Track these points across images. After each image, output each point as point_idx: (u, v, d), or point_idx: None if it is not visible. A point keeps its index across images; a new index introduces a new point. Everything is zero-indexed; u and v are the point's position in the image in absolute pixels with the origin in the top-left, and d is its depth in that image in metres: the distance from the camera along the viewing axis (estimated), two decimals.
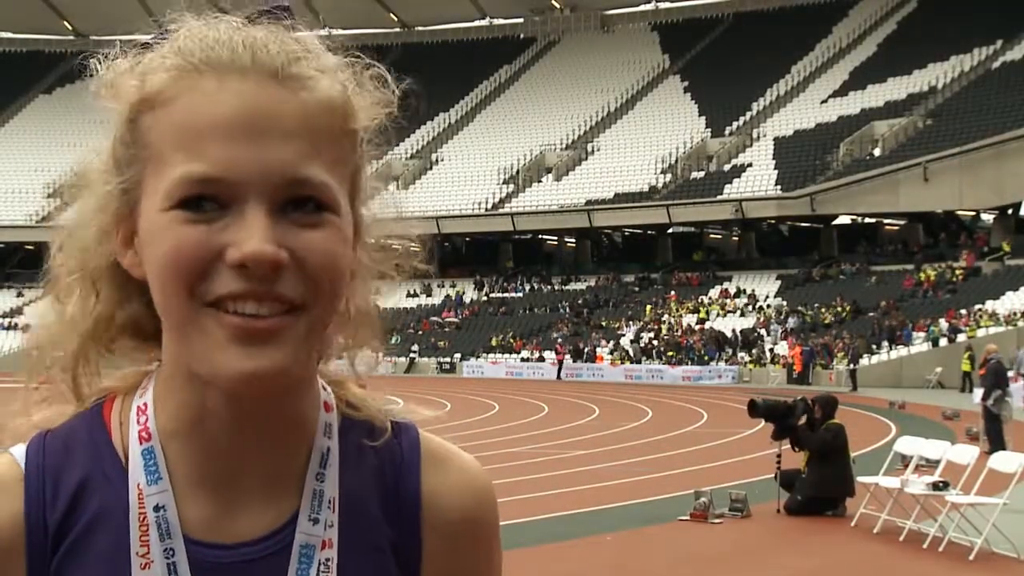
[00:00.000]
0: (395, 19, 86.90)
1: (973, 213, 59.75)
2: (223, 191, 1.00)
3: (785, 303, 55.66)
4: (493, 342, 58.80)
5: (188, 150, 1.01)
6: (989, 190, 53.44)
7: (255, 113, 1.01)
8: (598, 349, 55.06)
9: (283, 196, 1.01)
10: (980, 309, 47.96)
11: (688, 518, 12.54)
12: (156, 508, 1.07)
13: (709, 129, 68.22)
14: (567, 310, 61.48)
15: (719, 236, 69.26)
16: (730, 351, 52.07)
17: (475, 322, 62.72)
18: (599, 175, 67.39)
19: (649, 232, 67.41)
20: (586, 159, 70.59)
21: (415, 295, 65.81)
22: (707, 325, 55.62)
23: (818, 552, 11.49)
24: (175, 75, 1.03)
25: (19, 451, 1.13)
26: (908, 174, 55.32)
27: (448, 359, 57.83)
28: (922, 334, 47.23)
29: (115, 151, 1.08)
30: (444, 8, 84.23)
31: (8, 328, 62.30)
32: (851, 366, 43.07)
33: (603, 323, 58.45)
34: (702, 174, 64.87)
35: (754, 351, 51.23)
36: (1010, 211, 56.32)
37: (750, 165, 63.13)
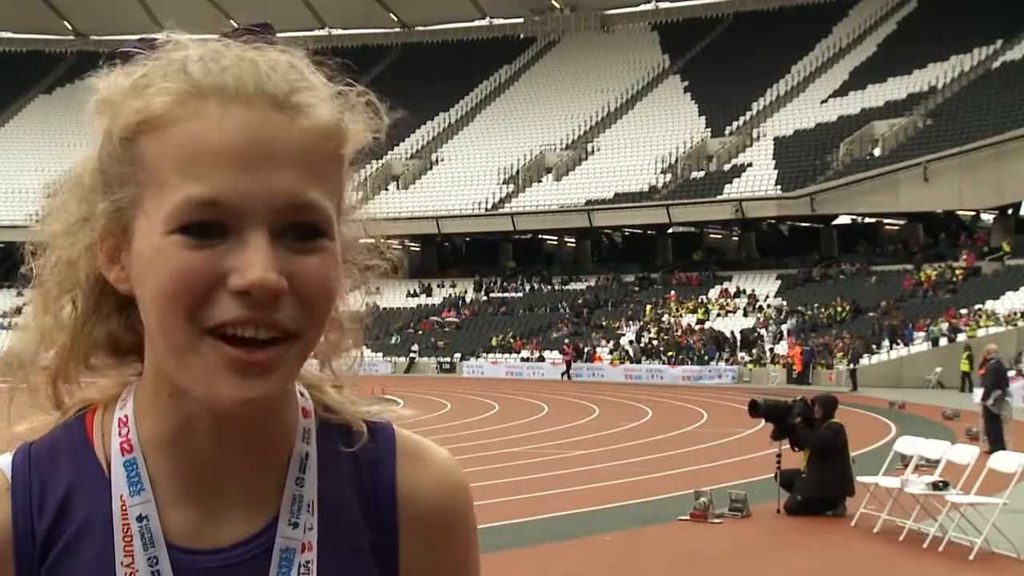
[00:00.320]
0: (395, 19, 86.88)
1: (973, 213, 59.76)
2: (225, 216, 1.01)
3: (785, 303, 55.67)
4: (493, 342, 58.81)
5: (191, 174, 1.02)
6: (989, 190, 53.45)
7: (259, 140, 1.02)
8: (597, 349, 55.06)
9: (283, 222, 1.02)
10: (980, 309, 47.96)
11: (688, 518, 12.54)
12: (139, 518, 1.10)
13: (709, 129, 68.22)
14: (567, 310, 61.48)
15: (719, 236, 69.27)
16: (730, 351, 52.08)
17: (475, 322, 62.73)
18: (599, 175, 67.39)
19: (649, 232, 67.42)
20: (586, 159, 70.60)
21: (415, 295, 65.84)
22: (707, 325, 55.64)
23: (818, 552, 11.50)
24: (179, 99, 1.04)
25: (3, 460, 1.15)
26: (908, 174, 55.33)
27: (448, 359, 57.84)
28: (922, 334, 47.25)
29: (104, 167, 1.09)
30: (444, 8, 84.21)
31: (8, 328, 62.50)
32: (851, 366, 43.08)
33: (603, 323, 58.46)
34: (702, 174, 64.88)
35: (754, 351, 51.24)
36: (1010, 211, 56.33)
37: (750, 165, 63.14)
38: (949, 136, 56.47)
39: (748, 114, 68.28)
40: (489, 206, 68.60)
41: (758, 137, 65.73)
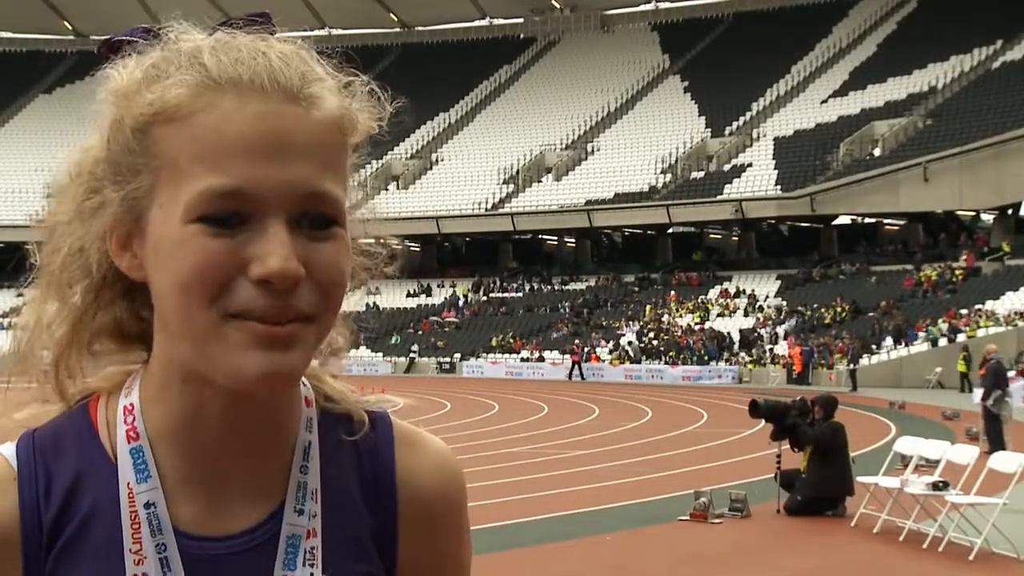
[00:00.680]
0: (395, 19, 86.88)
1: (973, 213, 59.75)
2: (245, 206, 1.04)
3: (785, 303, 55.66)
4: (493, 342, 58.80)
5: (210, 164, 1.04)
6: (989, 190, 53.45)
7: (276, 131, 1.05)
8: (597, 349, 55.06)
9: (300, 210, 1.05)
10: (980, 309, 47.96)
11: (688, 518, 12.54)
12: (146, 505, 1.11)
13: (709, 129, 68.22)
14: (567, 310, 61.48)
15: (719, 236, 69.27)
16: (730, 351, 52.08)
17: (475, 322, 62.72)
18: (599, 175, 67.39)
19: (649, 232, 67.41)
20: (586, 159, 70.60)
21: (415, 295, 65.83)
22: (707, 325, 55.64)
23: (818, 552, 11.50)
24: (195, 90, 1.05)
25: (7, 449, 1.15)
26: (908, 174, 55.32)
27: (448, 359, 57.83)
28: (922, 334, 47.26)
29: (114, 157, 1.10)
30: (444, 8, 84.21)
31: (7, 328, 62.47)
32: (851, 366, 43.08)
33: (603, 323, 58.46)
34: (702, 174, 64.88)
35: (754, 351, 51.25)
36: (1010, 211, 56.32)
37: (750, 165, 63.14)
38: (949, 136, 56.47)
39: (748, 114, 68.28)
40: (489, 206, 68.59)
41: (758, 137, 65.73)
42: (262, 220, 1.04)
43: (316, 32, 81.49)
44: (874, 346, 47.61)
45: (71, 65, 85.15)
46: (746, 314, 56.08)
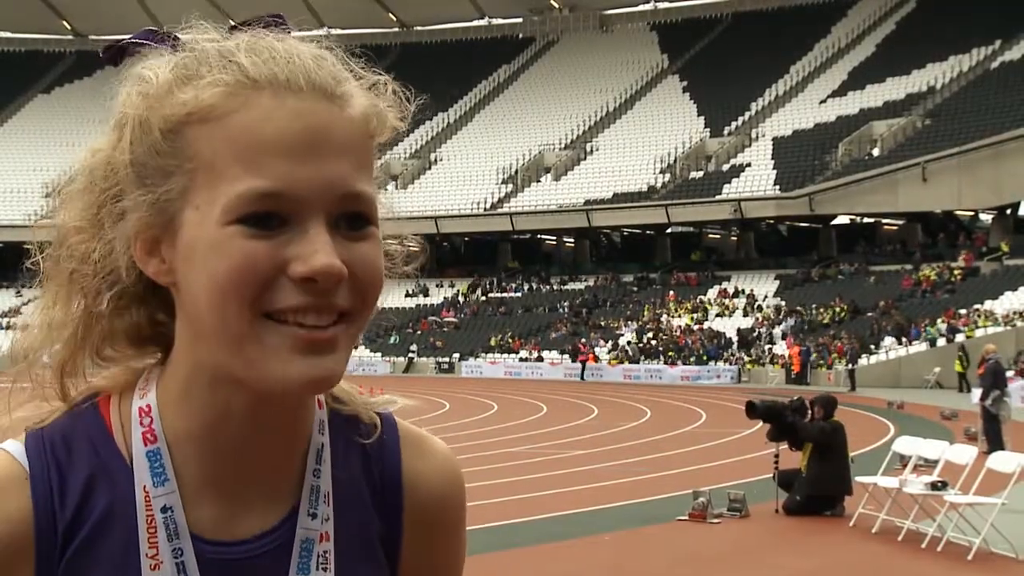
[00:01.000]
0: (394, 19, 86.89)
1: (972, 213, 59.78)
2: (285, 206, 1.02)
3: (784, 303, 55.68)
4: (492, 342, 58.81)
5: (248, 166, 1.02)
6: (988, 190, 53.47)
7: (313, 131, 1.04)
8: (596, 349, 55.06)
9: (338, 211, 1.04)
10: (978, 309, 47.98)
11: (686, 518, 12.54)
12: (164, 509, 1.09)
13: (708, 129, 68.24)
14: (566, 310, 61.49)
15: (718, 236, 69.29)
16: (729, 351, 52.08)
17: (474, 322, 62.72)
18: (598, 175, 67.41)
19: (648, 232, 67.43)
20: (585, 159, 70.61)
21: (414, 295, 65.81)
22: (706, 325, 55.65)
23: (816, 552, 11.50)
24: (232, 90, 1.04)
25: (15, 447, 1.12)
26: (907, 174, 55.34)
27: (447, 359, 57.83)
28: (921, 334, 47.27)
29: (140, 159, 1.07)
30: (443, 8, 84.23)
31: (7, 328, 62.48)
32: (849, 366, 43.09)
33: (602, 323, 58.46)
34: (701, 174, 64.90)
35: (753, 351, 51.26)
36: (1008, 211, 56.33)
37: (749, 165, 63.15)
38: (948, 136, 56.49)
39: (747, 114, 68.31)
40: (488, 206, 68.60)
41: (757, 137, 65.75)
42: (302, 221, 1.03)
43: (315, 32, 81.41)
44: (873, 346, 47.63)
45: (70, 65, 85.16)
46: (745, 314, 56.08)
